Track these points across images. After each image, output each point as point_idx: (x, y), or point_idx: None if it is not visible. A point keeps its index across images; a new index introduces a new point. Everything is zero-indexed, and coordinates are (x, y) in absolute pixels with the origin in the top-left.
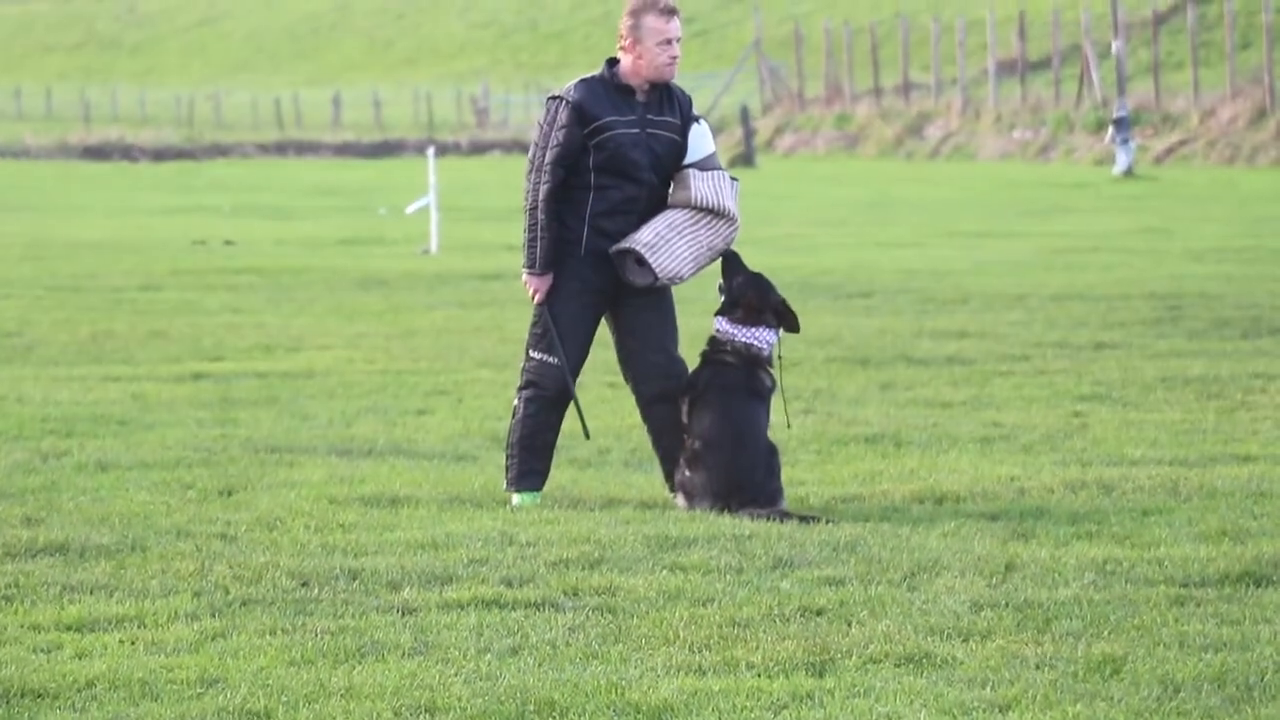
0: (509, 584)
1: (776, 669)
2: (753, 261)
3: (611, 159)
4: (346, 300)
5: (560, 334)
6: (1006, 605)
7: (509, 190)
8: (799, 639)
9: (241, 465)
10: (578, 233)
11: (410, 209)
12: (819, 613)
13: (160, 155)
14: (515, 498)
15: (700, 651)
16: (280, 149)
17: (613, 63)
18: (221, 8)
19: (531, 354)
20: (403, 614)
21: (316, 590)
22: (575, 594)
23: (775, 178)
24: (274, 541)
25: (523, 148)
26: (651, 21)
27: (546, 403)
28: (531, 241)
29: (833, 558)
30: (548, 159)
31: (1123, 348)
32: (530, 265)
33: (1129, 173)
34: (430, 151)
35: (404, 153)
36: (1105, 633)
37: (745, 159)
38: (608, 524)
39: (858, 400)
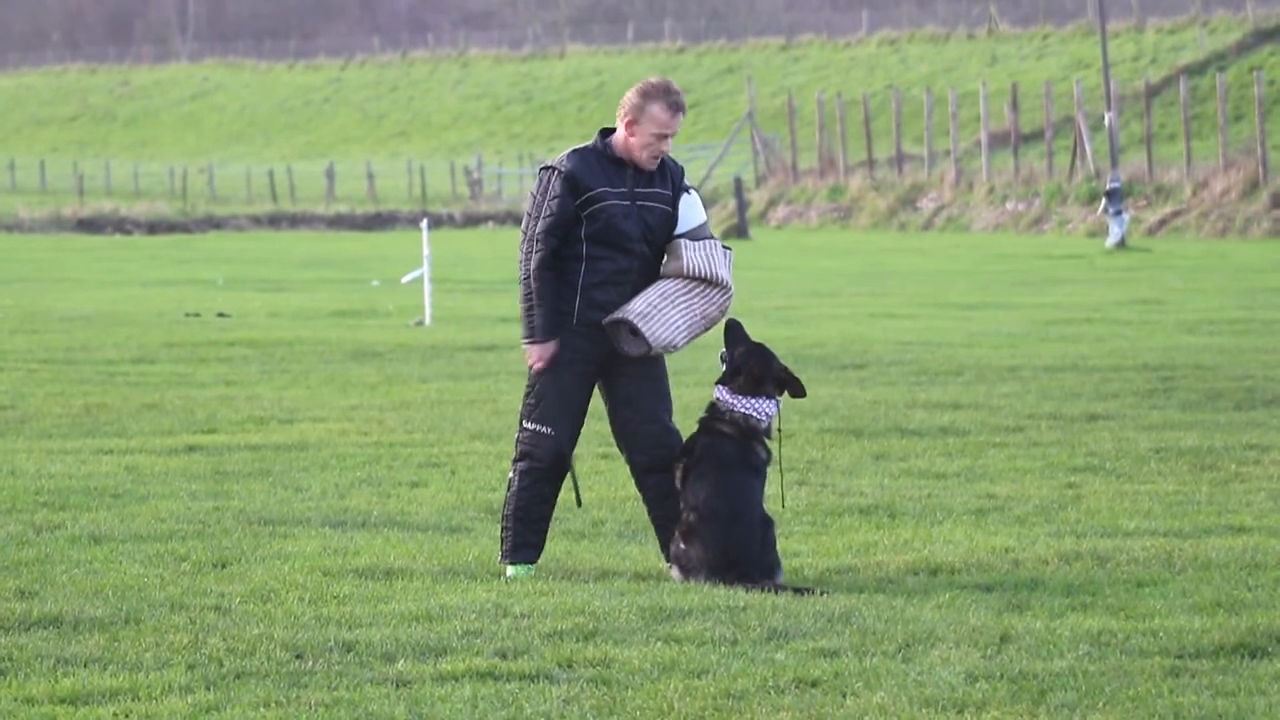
0: (503, 656)
1: None
2: (747, 332)
3: (603, 230)
4: (340, 372)
5: (554, 404)
6: (1001, 677)
7: (503, 262)
8: (794, 711)
9: (235, 537)
10: (570, 304)
11: (405, 279)
12: (814, 684)
13: (154, 228)
14: (510, 569)
15: None
16: (274, 221)
17: (606, 133)
18: (215, 81)
19: (525, 425)
20: (397, 686)
21: (311, 662)
22: (570, 666)
23: (768, 249)
24: (268, 614)
25: (516, 219)
26: (657, 111)
27: (541, 474)
28: (528, 311)
29: (827, 629)
30: (540, 228)
31: (1116, 419)
32: (529, 335)
33: (1122, 244)
34: (424, 223)
35: (397, 225)
36: (1100, 704)
37: (739, 231)
38: (602, 595)
39: (851, 471)
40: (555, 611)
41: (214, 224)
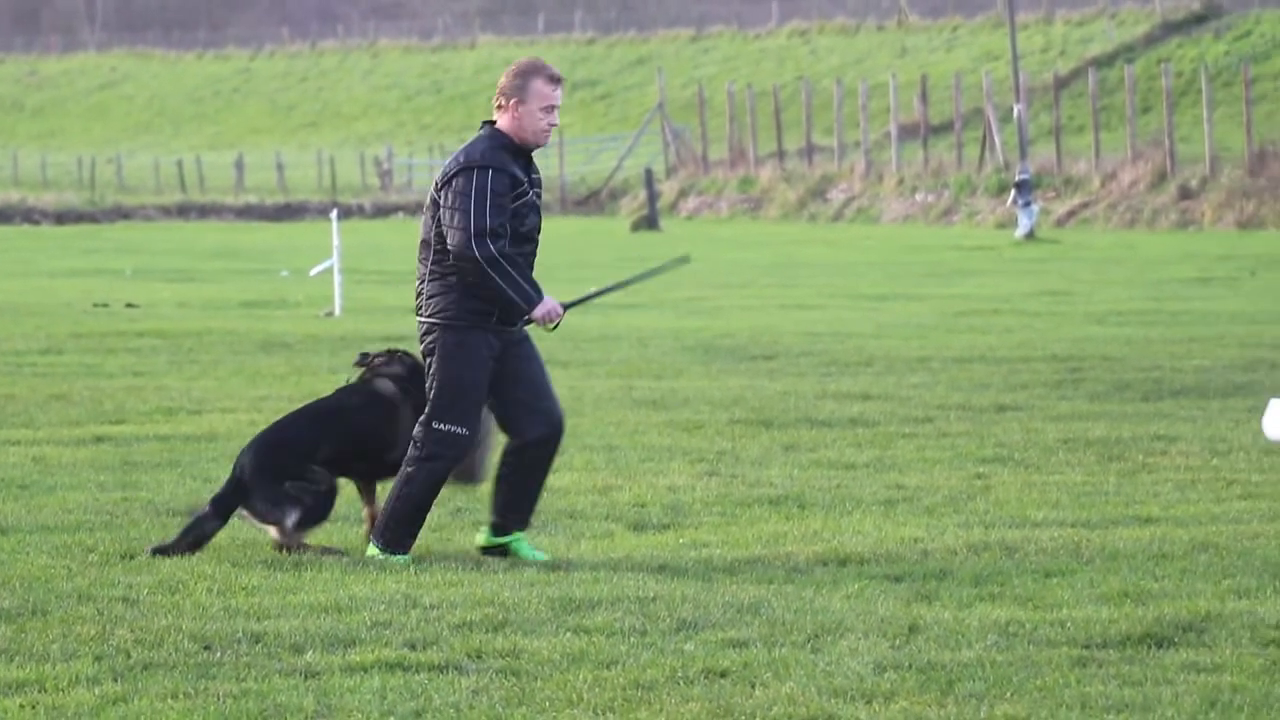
0: (412, 647)
1: None
2: (657, 324)
3: (522, 223)
4: (249, 363)
5: (469, 404)
6: (910, 667)
7: (412, 253)
8: (703, 701)
9: (143, 528)
10: (489, 303)
11: (314, 271)
12: (723, 675)
13: (62, 218)
14: (393, 558)
15: (604, 714)
16: (182, 212)
17: (488, 124)
18: (123, 71)
19: (436, 426)
20: (305, 677)
21: (219, 654)
22: (479, 657)
23: (679, 240)
24: (176, 605)
25: None
26: (540, 86)
27: (445, 473)
28: (515, 286)
29: (736, 620)
30: (494, 221)
31: (1024, 410)
32: (529, 302)
33: (1031, 235)
34: (333, 214)
35: (307, 215)
36: (1008, 694)
37: (649, 222)
38: (511, 586)
39: (761, 462)
40: (465, 602)
41: (122, 214)
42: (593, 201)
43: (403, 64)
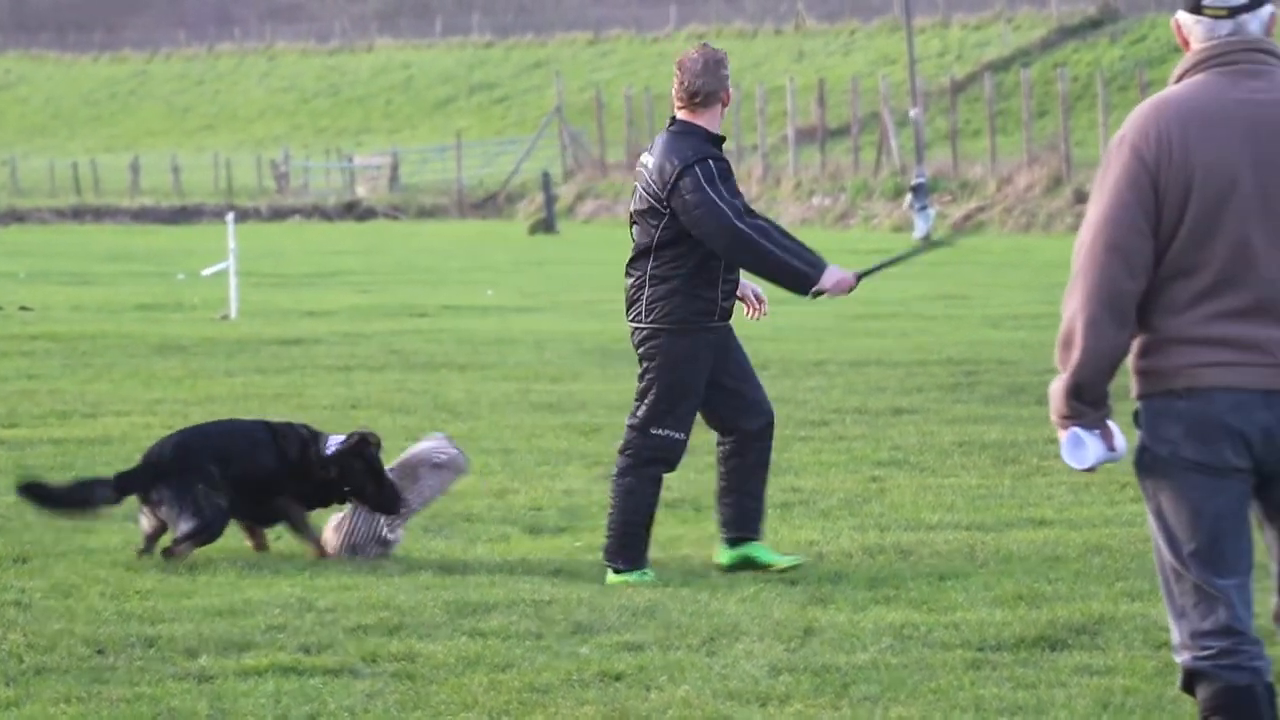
0: (307, 651)
1: None
2: (554, 327)
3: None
4: (144, 366)
5: (688, 410)
6: (805, 670)
7: (309, 256)
8: (598, 704)
9: (36, 532)
10: (712, 302)
11: (207, 272)
12: (618, 678)
13: None
14: (632, 575)
15: (500, 718)
16: (77, 214)
17: (676, 121)
18: (18, 73)
19: (655, 431)
20: (199, 681)
21: (112, 658)
22: (374, 660)
23: (577, 244)
24: (69, 609)
25: (324, 213)
26: (728, 72)
27: (662, 479)
28: (797, 253)
29: (632, 623)
30: (740, 202)
31: (920, 413)
32: (816, 266)
33: (927, 239)
34: (230, 217)
35: (203, 218)
36: (902, 697)
37: (546, 225)
38: (407, 590)
39: None
40: (359, 606)
41: (16, 217)
42: (490, 204)
43: (300, 67)
